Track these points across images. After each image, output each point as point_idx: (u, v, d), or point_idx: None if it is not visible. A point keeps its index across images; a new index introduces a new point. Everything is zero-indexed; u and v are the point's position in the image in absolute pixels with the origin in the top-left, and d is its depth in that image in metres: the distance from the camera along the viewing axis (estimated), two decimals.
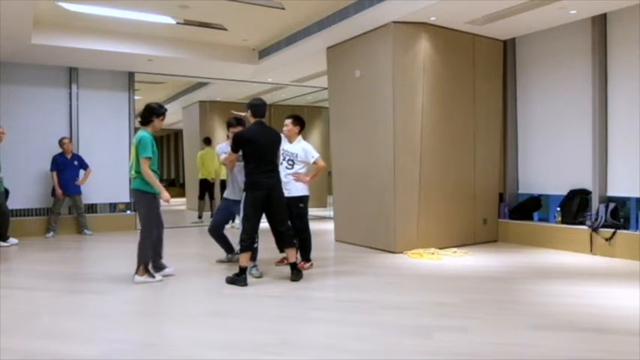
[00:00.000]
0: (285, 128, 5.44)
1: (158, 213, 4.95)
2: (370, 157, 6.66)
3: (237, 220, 5.77)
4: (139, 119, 4.91)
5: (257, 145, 4.77)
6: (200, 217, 10.29)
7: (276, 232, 4.93)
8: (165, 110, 4.94)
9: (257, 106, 4.93)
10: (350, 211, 7.13)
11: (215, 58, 8.49)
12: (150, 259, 4.86)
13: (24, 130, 8.19)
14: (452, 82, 6.73)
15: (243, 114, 5.20)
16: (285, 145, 5.37)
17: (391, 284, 4.81)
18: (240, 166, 5.25)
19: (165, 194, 4.75)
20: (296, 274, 4.88)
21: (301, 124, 5.49)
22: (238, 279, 4.67)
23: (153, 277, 4.79)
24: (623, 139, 6.07)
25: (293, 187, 5.31)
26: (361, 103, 6.86)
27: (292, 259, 4.91)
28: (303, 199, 5.37)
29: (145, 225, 4.79)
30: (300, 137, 5.47)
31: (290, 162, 5.38)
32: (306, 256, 5.45)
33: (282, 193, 4.97)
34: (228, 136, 5.57)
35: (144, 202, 4.76)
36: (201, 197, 10.49)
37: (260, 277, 4.96)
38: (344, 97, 7.26)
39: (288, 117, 5.50)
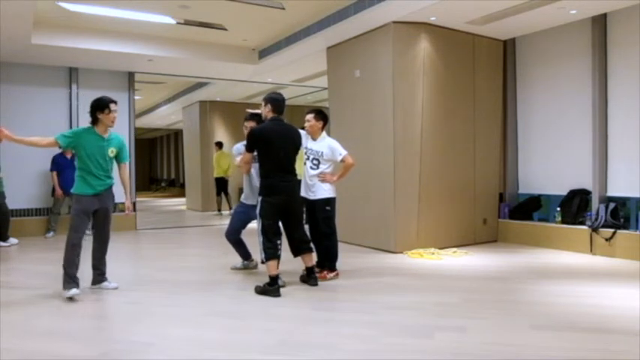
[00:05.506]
0: (306, 124, 4.95)
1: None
2: (370, 157, 6.65)
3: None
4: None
5: (274, 145, 4.36)
6: (219, 210, 11.65)
7: (291, 238, 4.61)
8: (107, 101, 4.35)
9: (279, 101, 4.46)
10: (350, 211, 7.11)
11: (215, 58, 8.49)
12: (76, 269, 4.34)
13: (24, 131, 8.11)
14: (452, 82, 6.73)
15: (259, 111, 4.81)
16: (308, 144, 4.93)
17: (391, 284, 4.80)
18: (257, 167, 4.89)
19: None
20: (315, 278, 4.66)
21: (324, 118, 4.98)
22: (270, 289, 4.29)
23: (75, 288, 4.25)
24: (623, 139, 6.07)
25: (319, 189, 4.85)
26: (361, 103, 6.86)
27: (310, 264, 4.65)
28: (330, 202, 4.90)
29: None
30: (324, 133, 5.00)
31: (315, 161, 4.88)
32: (331, 265, 4.98)
33: (299, 196, 4.68)
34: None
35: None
36: (218, 194, 11.79)
37: (284, 286, 4.53)
38: (344, 97, 7.25)
39: (310, 112, 4.99)
